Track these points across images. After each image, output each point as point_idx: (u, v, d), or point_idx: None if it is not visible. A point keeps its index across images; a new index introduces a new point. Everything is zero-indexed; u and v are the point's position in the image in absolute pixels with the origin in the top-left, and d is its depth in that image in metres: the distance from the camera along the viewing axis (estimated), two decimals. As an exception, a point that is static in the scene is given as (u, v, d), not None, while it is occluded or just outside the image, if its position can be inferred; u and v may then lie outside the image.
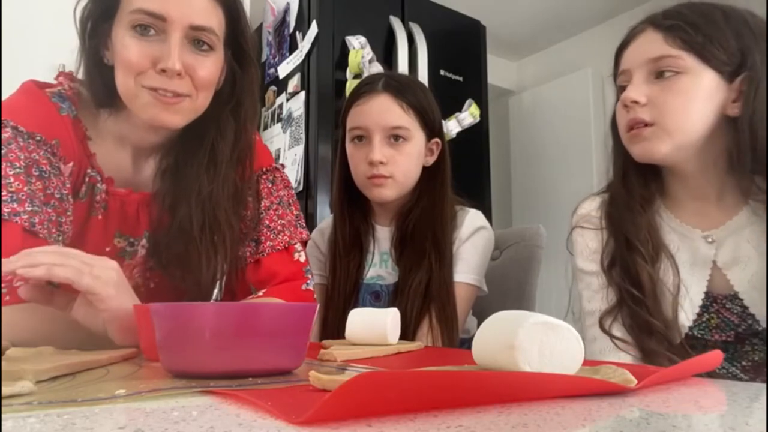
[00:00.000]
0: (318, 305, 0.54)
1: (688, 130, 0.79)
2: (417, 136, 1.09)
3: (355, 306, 1.06)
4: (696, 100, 0.79)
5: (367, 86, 1.12)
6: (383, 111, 1.07)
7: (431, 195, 1.11)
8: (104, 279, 0.63)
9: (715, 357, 0.47)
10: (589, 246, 0.91)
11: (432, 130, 1.12)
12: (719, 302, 0.82)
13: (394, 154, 1.07)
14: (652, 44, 0.82)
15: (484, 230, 1.12)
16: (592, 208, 0.94)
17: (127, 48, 0.75)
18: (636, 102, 0.81)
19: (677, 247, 0.85)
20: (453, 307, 1.03)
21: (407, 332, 0.99)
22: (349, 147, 1.12)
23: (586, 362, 0.42)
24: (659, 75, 0.81)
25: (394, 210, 1.15)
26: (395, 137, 1.08)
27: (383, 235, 1.16)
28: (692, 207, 0.87)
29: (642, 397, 0.37)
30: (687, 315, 0.82)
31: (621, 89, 0.87)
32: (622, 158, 0.90)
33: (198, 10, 0.77)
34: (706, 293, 0.82)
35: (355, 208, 1.16)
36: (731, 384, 0.46)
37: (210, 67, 0.81)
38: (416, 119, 1.09)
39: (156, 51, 0.75)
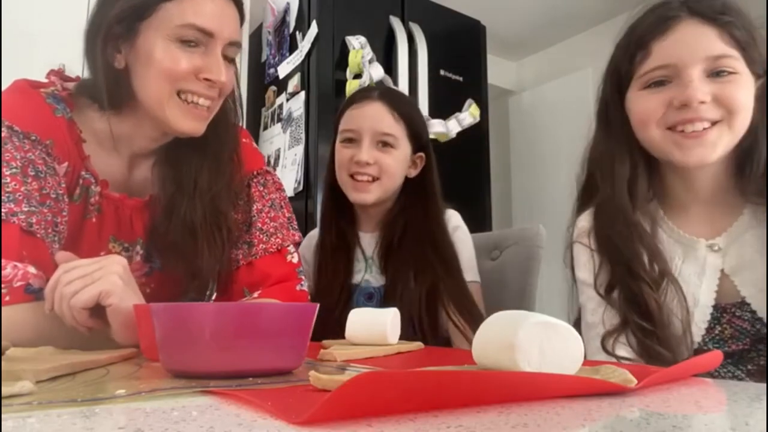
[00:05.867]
0: (318, 306, 0.54)
1: (744, 129, 0.76)
2: (403, 145, 1.15)
3: (347, 307, 1.09)
4: (750, 101, 0.76)
5: (364, 93, 1.19)
6: (376, 117, 1.13)
7: (420, 205, 1.16)
8: (109, 272, 0.64)
9: (714, 357, 0.47)
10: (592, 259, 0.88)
11: (418, 143, 1.18)
12: (729, 311, 0.79)
13: (382, 156, 1.13)
14: (708, 41, 0.75)
15: (460, 229, 1.18)
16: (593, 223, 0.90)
17: (174, 58, 0.78)
18: (702, 102, 0.75)
19: (682, 259, 0.82)
20: (474, 304, 1.07)
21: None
22: (338, 147, 1.18)
23: (586, 362, 0.42)
24: (716, 74, 0.75)
25: (378, 217, 1.20)
26: (383, 143, 1.13)
27: (367, 242, 1.20)
28: (695, 211, 0.84)
29: (642, 397, 0.37)
30: (695, 332, 0.79)
31: (643, 82, 0.81)
32: (628, 164, 0.84)
33: (235, 28, 0.84)
34: (714, 305, 0.80)
35: (342, 212, 1.20)
36: (731, 384, 0.46)
37: (232, 75, 0.87)
38: (405, 130, 1.15)
39: (199, 61, 0.80)
